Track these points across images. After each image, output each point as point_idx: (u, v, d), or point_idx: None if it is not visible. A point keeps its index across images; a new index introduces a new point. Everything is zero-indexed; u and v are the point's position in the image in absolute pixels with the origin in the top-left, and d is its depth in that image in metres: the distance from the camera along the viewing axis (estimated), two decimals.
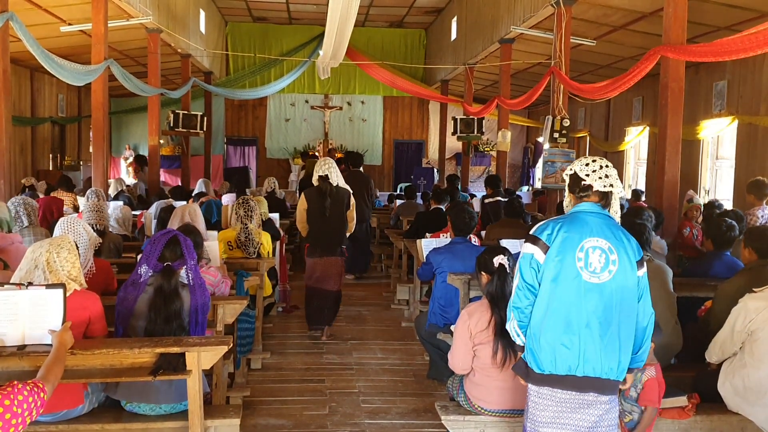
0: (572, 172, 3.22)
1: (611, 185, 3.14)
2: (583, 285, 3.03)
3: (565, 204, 3.32)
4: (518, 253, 4.99)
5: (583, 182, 3.16)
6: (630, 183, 15.40)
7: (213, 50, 17.07)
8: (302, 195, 6.99)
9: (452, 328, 4.84)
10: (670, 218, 6.85)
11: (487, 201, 9.66)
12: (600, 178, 3.13)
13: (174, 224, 5.22)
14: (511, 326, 3.20)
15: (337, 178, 6.85)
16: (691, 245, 7.69)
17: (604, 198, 3.15)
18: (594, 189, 3.14)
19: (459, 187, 11.91)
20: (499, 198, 9.56)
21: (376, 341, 7.04)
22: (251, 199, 6.57)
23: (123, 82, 10.29)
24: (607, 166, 3.18)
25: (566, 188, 3.28)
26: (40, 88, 15.50)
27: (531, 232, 3.17)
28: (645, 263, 3.16)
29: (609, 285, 3.04)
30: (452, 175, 13.04)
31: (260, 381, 5.73)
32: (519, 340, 3.19)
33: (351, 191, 7.09)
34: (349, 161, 10.77)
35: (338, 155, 17.87)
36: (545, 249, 3.07)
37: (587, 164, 3.19)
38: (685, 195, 8.78)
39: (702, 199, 11.40)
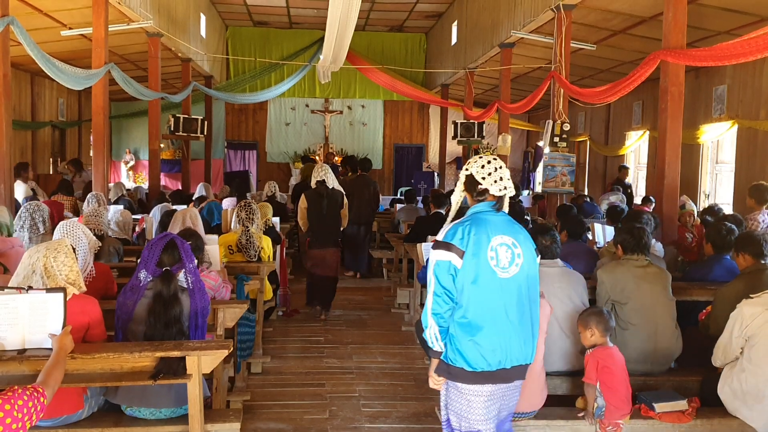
0: (468, 173, 3.33)
1: (505, 187, 3.27)
2: (498, 281, 3.17)
3: (455, 200, 3.42)
4: None
5: (479, 185, 3.29)
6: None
7: (213, 54, 17.08)
8: (302, 195, 8.01)
9: None
10: (671, 222, 6.85)
11: None
12: (495, 181, 3.27)
13: (175, 229, 5.23)
14: (430, 333, 3.19)
15: (332, 182, 7.91)
16: (689, 248, 7.69)
17: (500, 201, 3.28)
18: (490, 193, 3.27)
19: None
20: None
21: (376, 345, 7.03)
22: (253, 203, 6.59)
23: (123, 86, 10.30)
24: (501, 168, 3.30)
25: (461, 185, 3.38)
26: (41, 92, 15.52)
27: (441, 239, 3.23)
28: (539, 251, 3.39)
29: (518, 278, 3.21)
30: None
31: (260, 385, 5.73)
32: (437, 346, 3.20)
33: (344, 193, 8.14)
34: (358, 165, 10.98)
35: (338, 159, 17.96)
36: (461, 254, 3.15)
37: (483, 166, 3.30)
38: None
39: (702, 203, 11.42)
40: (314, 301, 8.06)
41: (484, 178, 3.26)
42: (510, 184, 3.28)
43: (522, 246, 3.23)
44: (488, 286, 3.15)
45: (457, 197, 3.40)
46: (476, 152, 18.97)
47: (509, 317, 3.17)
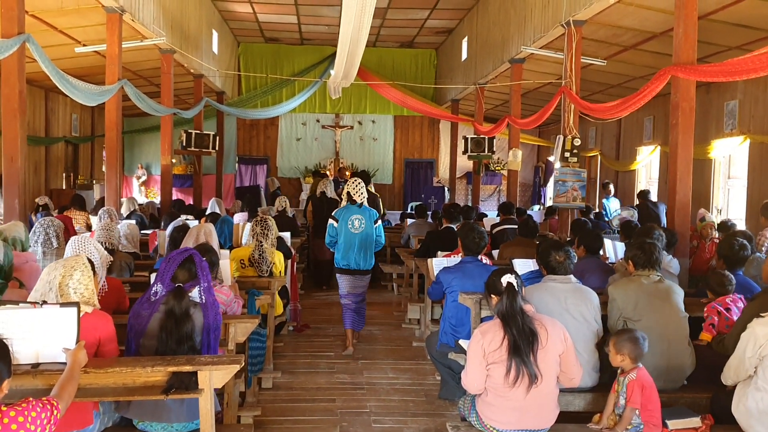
0: (347, 191, 7.22)
1: (363, 197, 7.20)
2: (352, 234, 7.12)
3: (343, 201, 7.31)
4: (527, 272, 5.15)
5: (352, 197, 7.17)
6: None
7: (225, 70, 17.23)
8: (309, 201, 11.61)
9: (461, 342, 4.84)
10: (682, 238, 6.81)
11: (495, 231, 9.59)
12: (359, 195, 7.19)
13: (188, 244, 5.23)
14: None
15: (330, 193, 10.95)
16: (704, 258, 7.66)
17: (362, 203, 7.19)
18: (358, 202, 7.19)
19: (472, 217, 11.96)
20: (506, 226, 9.50)
21: (387, 361, 7.02)
22: (269, 218, 6.60)
23: (136, 102, 10.40)
24: (363, 187, 7.23)
25: (346, 195, 7.24)
26: (55, 108, 15.68)
27: (332, 214, 7.24)
28: (381, 219, 7.38)
29: (362, 233, 7.14)
30: (467, 206, 13.03)
31: (271, 400, 5.73)
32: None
33: (339, 200, 10.28)
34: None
35: (349, 173, 18.16)
36: (337, 221, 7.13)
37: (355, 187, 7.20)
38: (696, 214, 8.73)
39: (714, 218, 11.34)
40: (320, 282, 10.95)
41: (355, 193, 7.17)
42: (365, 193, 7.23)
43: (365, 219, 7.14)
44: (348, 236, 7.11)
45: (344, 201, 7.28)
46: (487, 167, 19.02)
47: (357, 249, 7.13)
